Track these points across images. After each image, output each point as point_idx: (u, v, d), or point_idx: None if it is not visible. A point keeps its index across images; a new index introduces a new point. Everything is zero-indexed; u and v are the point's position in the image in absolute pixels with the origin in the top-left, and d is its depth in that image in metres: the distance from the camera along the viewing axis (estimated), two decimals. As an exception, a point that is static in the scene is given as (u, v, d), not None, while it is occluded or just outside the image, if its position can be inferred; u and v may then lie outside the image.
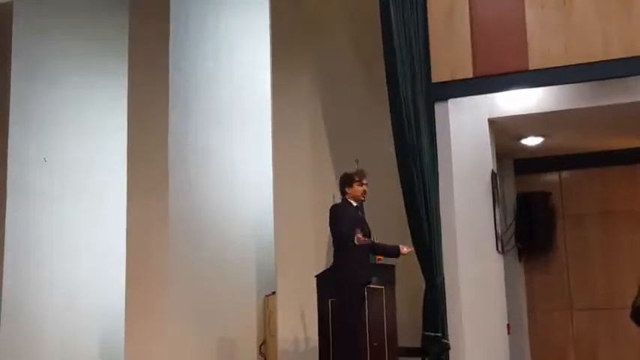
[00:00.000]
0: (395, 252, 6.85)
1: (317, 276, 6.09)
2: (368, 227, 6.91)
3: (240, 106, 6.87)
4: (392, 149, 7.37)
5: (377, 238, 7.47)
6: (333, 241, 6.78)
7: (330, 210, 6.87)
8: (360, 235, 6.55)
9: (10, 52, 6.77)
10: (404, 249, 6.87)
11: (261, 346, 6.73)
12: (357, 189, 6.93)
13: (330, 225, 6.80)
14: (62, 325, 6.85)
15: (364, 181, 6.99)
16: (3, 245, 6.50)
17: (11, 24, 6.71)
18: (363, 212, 6.99)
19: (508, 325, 8.57)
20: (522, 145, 9.34)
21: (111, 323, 6.88)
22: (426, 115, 7.71)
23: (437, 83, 7.86)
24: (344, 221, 6.72)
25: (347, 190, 6.96)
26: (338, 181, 7.04)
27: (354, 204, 6.97)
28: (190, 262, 6.16)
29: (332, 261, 6.87)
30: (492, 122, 8.40)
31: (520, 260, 9.78)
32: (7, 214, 6.57)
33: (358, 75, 8.35)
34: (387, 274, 7.00)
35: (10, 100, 6.72)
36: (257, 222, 6.24)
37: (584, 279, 9.67)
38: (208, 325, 6.18)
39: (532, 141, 9.25)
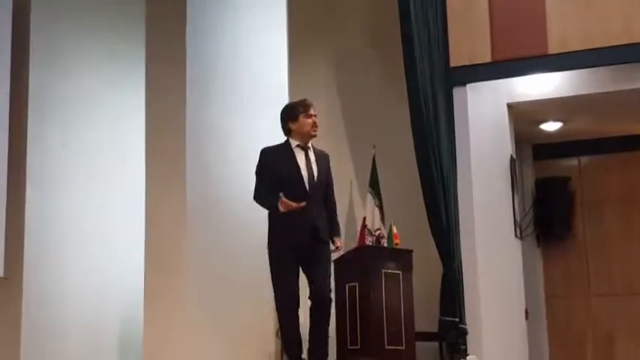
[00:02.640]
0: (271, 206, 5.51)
1: (334, 261, 6.11)
2: (318, 174, 5.65)
3: (258, 92, 6.86)
4: (410, 135, 7.35)
5: (394, 224, 7.50)
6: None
7: (259, 155, 5.71)
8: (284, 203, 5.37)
9: (28, 40, 6.78)
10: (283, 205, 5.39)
11: (278, 330, 6.74)
12: (305, 122, 5.63)
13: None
14: (83, 311, 6.90)
15: (311, 112, 5.69)
16: (23, 231, 6.54)
17: (29, 12, 6.73)
18: (311, 155, 5.73)
19: (526, 310, 8.56)
20: (541, 130, 9.30)
21: (130, 306, 6.93)
22: (444, 100, 7.69)
23: (455, 68, 7.83)
24: (260, 175, 5.63)
25: (291, 126, 5.66)
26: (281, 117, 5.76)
27: (298, 145, 5.67)
28: (208, 248, 6.18)
29: (350, 247, 6.86)
30: (511, 107, 8.36)
31: (538, 246, 9.75)
32: (26, 200, 6.60)
33: (375, 61, 8.33)
34: (405, 259, 7.01)
35: (29, 88, 6.75)
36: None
37: (603, 265, 9.62)
38: (226, 310, 6.21)
39: (551, 126, 9.21)
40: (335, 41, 8.05)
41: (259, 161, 5.70)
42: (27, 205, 6.56)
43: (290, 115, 5.71)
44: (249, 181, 6.05)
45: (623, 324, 9.44)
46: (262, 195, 5.62)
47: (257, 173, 5.70)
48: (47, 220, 6.73)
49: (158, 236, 6.05)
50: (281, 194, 5.40)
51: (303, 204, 5.40)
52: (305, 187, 5.56)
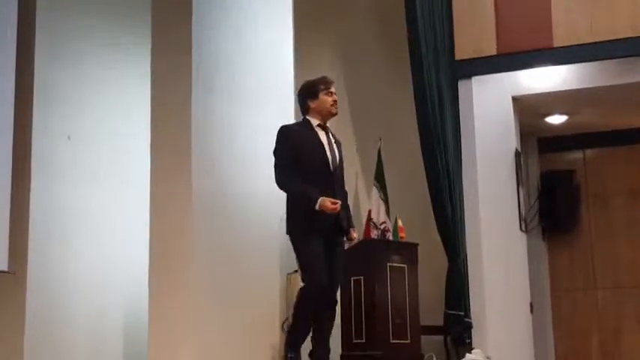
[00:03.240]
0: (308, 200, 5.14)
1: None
2: (338, 156, 5.44)
3: (264, 83, 6.83)
4: (415, 128, 7.34)
5: (400, 217, 7.48)
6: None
7: (278, 133, 5.39)
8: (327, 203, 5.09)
9: (33, 29, 6.76)
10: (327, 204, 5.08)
11: (283, 323, 6.73)
12: (326, 100, 5.38)
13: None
14: (87, 304, 6.90)
15: (332, 89, 5.45)
16: (28, 222, 6.53)
17: (35, 5, 6.71)
18: (331, 136, 5.51)
19: (531, 304, 8.55)
20: (546, 123, 9.29)
21: (135, 299, 6.93)
22: (449, 93, 7.68)
23: (460, 61, 7.81)
24: (280, 155, 5.29)
25: (311, 104, 5.40)
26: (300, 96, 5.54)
27: (317, 124, 5.41)
28: (214, 239, 6.17)
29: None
30: (516, 100, 8.34)
31: (543, 239, 9.74)
32: (31, 192, 6.60)
33: (381, 54, 8.31)
34: (410, 253, 7.00)
35: (34, 78, 6.73)
36: (280, 200, 6.23)
37: (608, 258, 9.62)
38: (232, 302, 6.20)
39: (556, 119, 9.20)
40: (341, 34, 8.03)
41: (279, 140, 5.37)
42: (32, 199, 6.55)
43: (310, 92, 5.43)
44: (254, 174, 6.04)
45: (629, 317, 9.43)
46: (293, 184, 5.26)
47: (276, 153, 5.36)
48: (52, 214, 6.72)
49: (163, 229, 6.04)
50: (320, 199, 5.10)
51: (338, 207, 5.14)
52: (330, 168, 5.32)
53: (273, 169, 5.42)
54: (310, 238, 5.24)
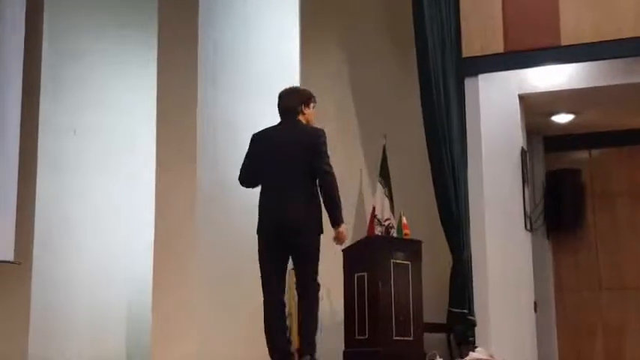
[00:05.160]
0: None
1: (343, 250, 6.09)
2: None
3: (269, 77, 6.85)
4: (421, 124, 7.33)
5: (404, 214, 7.48)
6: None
7: (318, 135, 5.33)
8: None
9: (41, 25, 6.81)
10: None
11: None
12: (313, 113, 5.50)
13: (317, 156, 5.26)
14: (91, 293, 6.95)
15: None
16: (34, 214, 6.58)
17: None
18: None
19: (535, 302, 8.54)
20: (552, 122, 9.26)
21: (138, 291, 6.96)
22: (455, 90, 7.66)
23: (467, 58, 7.79)
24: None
25: (304, 109, 5.44)
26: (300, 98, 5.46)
27: None
28: (218, 231, 6.19)
29: (359, 237, 6.84)
30: (523, 98, 8.32)
31: (548, 238, 9.71)
32: (37, 185, 6.64)
33: (388, 49, 8.30)
34: (414, 250, 7.00)
35: (41, 73, 6.77)
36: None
37: (613, 258, 9.58)
38: (234, 293, 6.23)
39: (562, 118, 9.17)
40: (347, 29, 8.03)
41: (325, 143, 5.38)
42: (38, 191, 6.60)
43: (308, 99, 5.49)
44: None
45: (633, 318, 9.40)
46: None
47: (327, 156, 5.34)
48: (57, 206, 6.77)
49: (168, 221, 6.07)
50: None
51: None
52: None
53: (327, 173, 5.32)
54: None
